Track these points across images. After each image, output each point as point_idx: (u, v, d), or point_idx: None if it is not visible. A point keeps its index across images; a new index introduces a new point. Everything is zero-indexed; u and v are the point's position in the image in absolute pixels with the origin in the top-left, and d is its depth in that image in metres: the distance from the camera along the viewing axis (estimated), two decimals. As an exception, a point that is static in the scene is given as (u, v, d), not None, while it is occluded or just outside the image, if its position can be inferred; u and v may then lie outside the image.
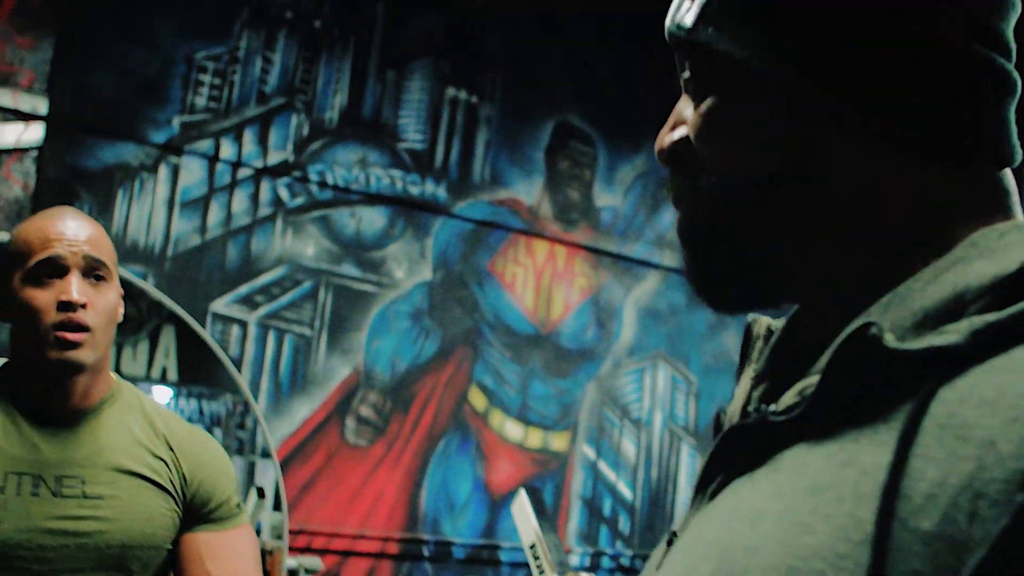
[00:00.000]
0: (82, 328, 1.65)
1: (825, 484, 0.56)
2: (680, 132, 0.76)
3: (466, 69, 4.44)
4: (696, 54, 0.73)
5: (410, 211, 4.26)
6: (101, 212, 3.64)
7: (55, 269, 1.66)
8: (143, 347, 3.57)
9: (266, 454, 3.72)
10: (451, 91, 4.40)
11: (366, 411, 4.10)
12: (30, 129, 3.52)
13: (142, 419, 1.81)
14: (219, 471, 1.86)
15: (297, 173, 4.03)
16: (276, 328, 3.96)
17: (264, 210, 3.97)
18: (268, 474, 3.70)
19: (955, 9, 0.66)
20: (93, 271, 1.69)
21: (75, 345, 1.65)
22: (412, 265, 4.25)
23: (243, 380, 3.76)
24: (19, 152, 3.52)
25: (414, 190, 4.27)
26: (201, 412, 3.69)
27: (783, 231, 0.70)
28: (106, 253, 1.73)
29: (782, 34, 0.68)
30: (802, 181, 0.69)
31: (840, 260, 0.69)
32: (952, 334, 0.56)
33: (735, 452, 0.67)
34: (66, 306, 1.63)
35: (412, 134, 4.30)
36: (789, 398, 0.65)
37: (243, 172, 3.94)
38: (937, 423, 0.53)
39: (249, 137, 3.96)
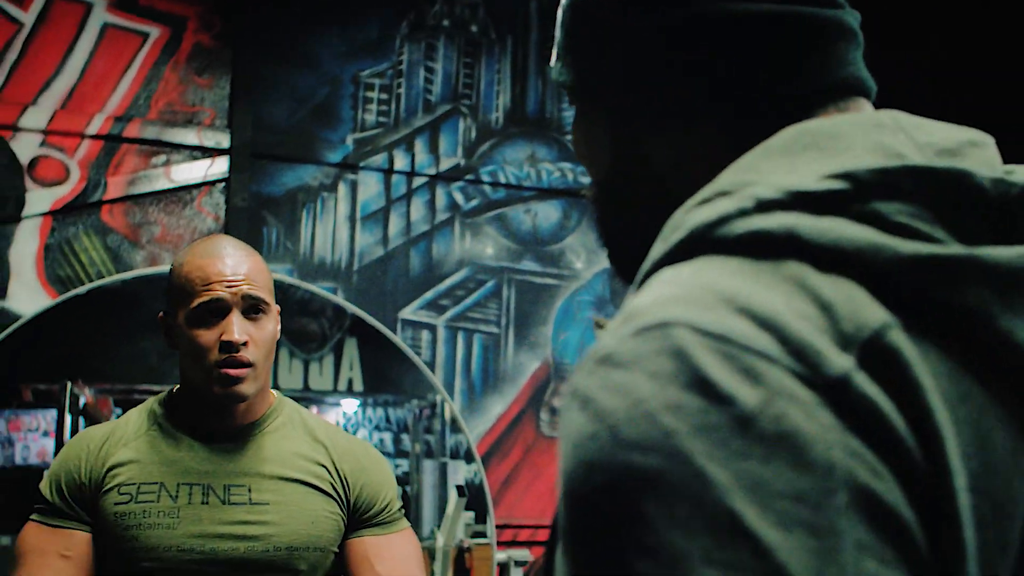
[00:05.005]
0: (244, 364, 1.75)
1: None
2: None
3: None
4: (559, 84, 0.89)
5: (583, 201, 4.28)
6: (288, 234, 3.83)
7: (217, 311, 1.75)
8: (328, 362, 3.73)
9: (455, 455, 3.81)
10: (612, 77, 4.40)
11: (559, 402, 4.15)
12: (216, 163, 3.73)
13: (303, 431, 1.90)
14: (381, 477, 1.93)
15: (470, 176, 4.12)
16: (464, 329, 4.06)
17: (441, 215, 4.08)
18: (459, 473, 3.80)
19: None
20: (252, 308, 1.78)
21: (238, 380, 1.75)
22: (590, 255, 4.27)
23: (438, 382, 3.88)
24: (208, 186, 3.74)
25: (585, 180, 4.29)
26: (388, 420, 3.82)
27: (639, 214, 0.82)
28: (263, 286, 1.81)
29: (582, 60, 0.84)
30: (632, 170, 0.82)
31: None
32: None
33: None
34: (228, 346, 1.73)
35: (578, 125, 4.32)
36: None
37: (417, 181, 4.06)
38: None
39: (420, 146, 4.08)
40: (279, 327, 1.87)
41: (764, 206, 0.62)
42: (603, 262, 4.26)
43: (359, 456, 1.92)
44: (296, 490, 1.81)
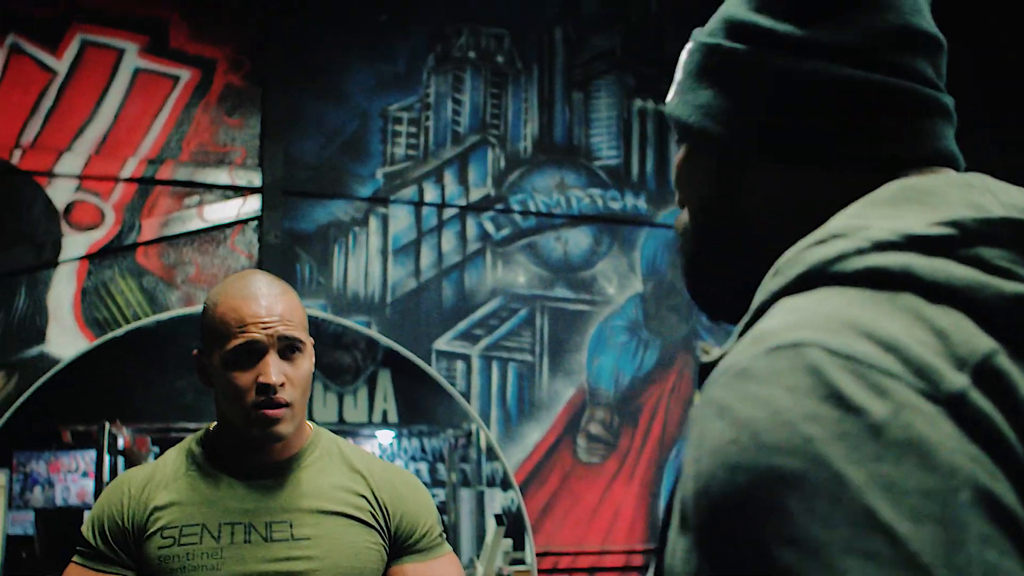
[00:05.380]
0: (281, 405, 1.77)
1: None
2: None
3: (650, 79, 4.45)
4: (672, 120, 0.97)
5: (613, 227, 4.30)
6: (320, 269, 3.86)
7: (253, 352, 1.76)
8: (363, 394, 3.75)
9: (491, 483, 3.81)
10: (638, 103, 4.42)
11: (595, 428, 4.15)
12: (248, 202, 3.77)
13: (340, 462, 1.91)
14: (420, 504, 1.94)
15: (500, 206, 4.14)
16: (498, 358, 4.07)
17: (473, 246, 4.10)
18: (496, 501, 3.80)
19: (809, 47, 0.87)
20: (288, 348, 1.80)
21: (276, 421, 1.76)
22: (622, 280, 4.28)
23: (473, 411, 3.88)
24: (241, 224, 3.78)
25: (615, 205, 4.30)
26: (423, 450, 3.83)
27: (722, 249, 0.93)
28: (299, 324, 1.82)
29: (700, 97, 0.92)
30: (724, 206, 0.92)
31: (761, 265, 0.85)
32: (730, 340, 0.78)
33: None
34: (265, 388, 1.74)
35: (606, 151, 4.34)
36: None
37: (448, 212, 4.08)
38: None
39: (449, 178, 4.10)
40: (313, 362, 1.88)
41: (881, 246, 0.72)
42: (635, 287, 4.26)
43: (397, 484, 1.93)
44: (337, 523, 1.82)
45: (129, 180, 3.64)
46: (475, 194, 4.11)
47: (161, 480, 1.83)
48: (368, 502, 1.87)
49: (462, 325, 4.04)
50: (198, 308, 3.53)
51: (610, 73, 4.40)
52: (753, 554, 0.61)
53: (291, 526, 1.80)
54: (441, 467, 3.80)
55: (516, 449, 4.02)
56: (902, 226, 0.72)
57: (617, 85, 4.40)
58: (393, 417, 3.78)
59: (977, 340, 0.66)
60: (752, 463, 0.62)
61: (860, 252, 0.72)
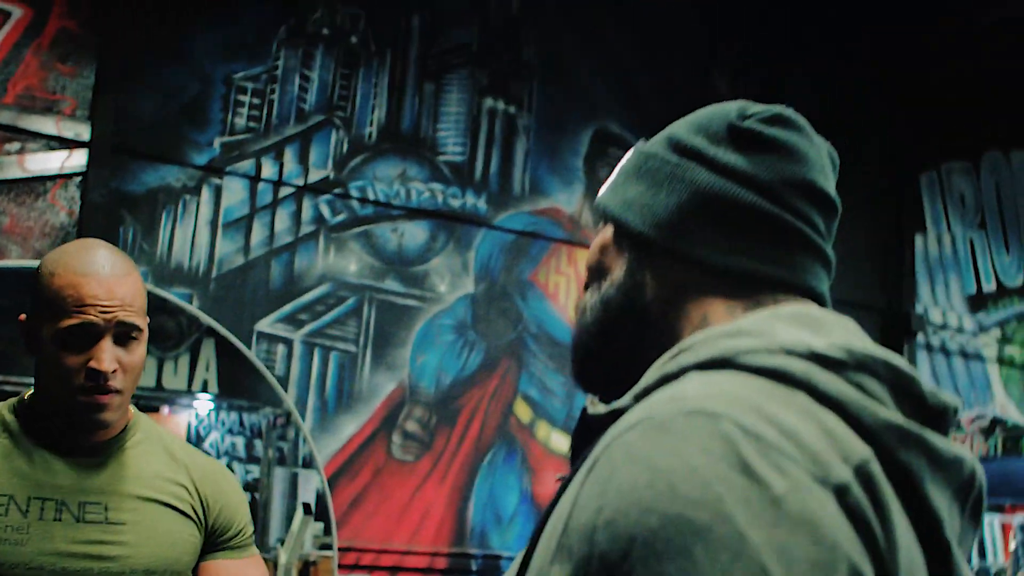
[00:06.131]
0: (110, 391, 1.65)
1: (566, 498, 0.83)
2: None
3: (503, 79, 4.43)
4: (599, 207, 1.08)
5: (451, 224, 4.26)
6: (145, 235, 3.68)
7: (87, 335, 1.64)
8: (184, 361, 3.60)
9: (307, 464, 3.73)
10: (489, 102, 4.40)
11: (412, 426, 4.10)
12: (74, 155, 3.56)
13: (161, 449, 1.82)
14: (238, 500, 1.88)
15: (338, 190, 4.04)
16: (321, 345, 3.97)
17: (306, 228, 3.99)
18: (311, 483, 3.72)
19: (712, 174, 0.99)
20: (125, 334, 1.68)
21: (103, 408, 1.65)
22: (455, 278, 4.24)
23: (289, 399, 3.78)
24: (63, 179, 3.57)
25: (455, 203, 4.27)
26: (241, 424, 3.73)
27: (630, 337, 1.01)
28: (139, 310, 1.70)
29: (636, 197, 1.02)
30: (632, 293, 1.01)
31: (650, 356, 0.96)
32: (625, 398, 0.89)
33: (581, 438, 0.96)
34: (95, 375, 1.63)
35: (451, 147, 4.30)
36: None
37: (284, 191, 3.96)
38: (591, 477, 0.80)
39: (290, 156, 3.98)
40: (146, 346, 1.78)
41: (787, 351, 0.85)
42: (466, 287, 4.23)
43: (218, 478, 1.87)
44: (156, 511, 1.74)
45: (-56, 117, 3.39)
46: (314, 175, 4.00)
47: None
48: (188, 493, 1.80)
49: (287, 308, 3.93)
50: (9, 262, 3.33)
51: (464, 68, 4.36)
52: None
53: (106, 509, 1.70)
54: (258, 443, 3.69)
55: (330, 440, 3.93)
56: (806, 340, 0.86)
57: (470, 81, 4.37)
58: (214, 388, 3.65)
59: (857, 445, 0.79)
60: (665, 509, 0.72)
61: (769, 351, 0.85)
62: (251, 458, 3.74)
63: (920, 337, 5.46)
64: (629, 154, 1.09)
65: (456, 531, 4.13)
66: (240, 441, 3.73)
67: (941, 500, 0.84)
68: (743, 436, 0.75)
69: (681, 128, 1.05)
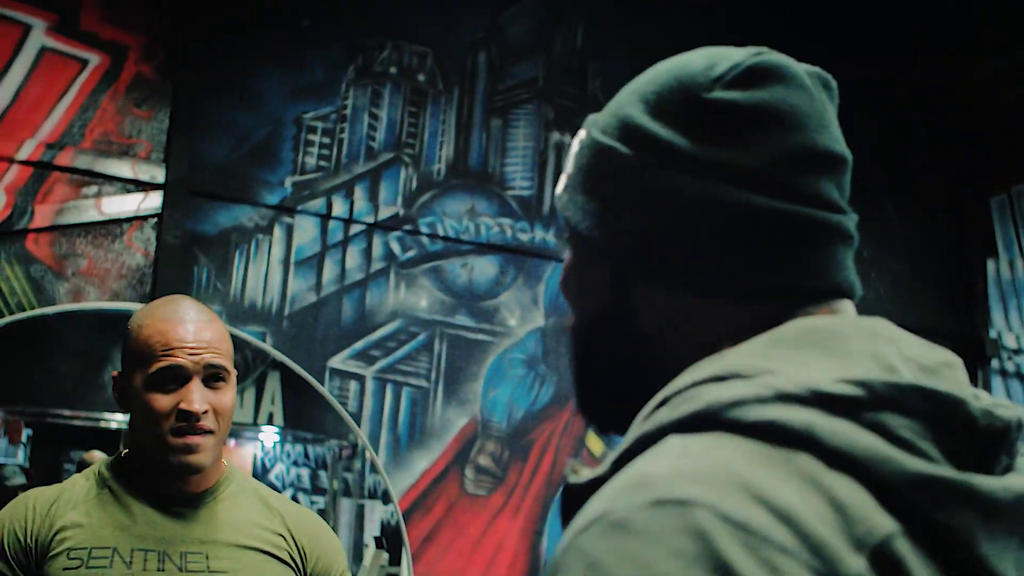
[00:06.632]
0: (203, 432, 1.68)
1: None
2: None
3: (569, 113, 4.44)
4: (562, 218, 0.91)
5: (521, 258, 4.26)
6: (219, 275, 3.74)
7: (176, 377, 1.69)
8: (250, 394, 3.64)
9: (372, 495, 3.74)
10: (556, 135, 4.41)
11: (485, 460, 4.09)
12: (149, 198, 3.64)
13: (256, 499, 1.86)
14: (334, 547, 1.91)
15: (408, 226, 4.07)
16: (393, 381, 3.99)
17: (377, 265, 4.02)
18: (376, 514, 3.73)
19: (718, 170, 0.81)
20: (214, 376, 1.72)
21: (195, 449, 1.69)
22: (524, 312, 4.24)
23: (363, 434, 3.80)
24: (139, 220, 3.64)
25: (524, 237, 4.27)
26: (306, 456, 3.75)
27: (616, 363, 0.87)
28: (225, 354, 1.75)
29: (594, 202, 0.86)
30: (619, 320, 0.86)
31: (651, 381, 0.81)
32: (603, 465, 0.74)
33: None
34: (186, 415, 1.67)
35: (519, 181, 4.31)
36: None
37: (355, 228, 4.00)
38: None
39: (360, 193, 4.03)
40: (235, 392, 1.82)
41: (784, 398, 0.68)
42: (536, 321, 4.22)
43: (315, 527, 1.90)
44: (254, 558, 1.76)
45: (25, 163, 3.48)
46: (384, 212, 4.04)
47: (69, 500, 1.73)
48: (285, 540, 1.83)
49: (359, 344, 3.95)
50: (87, 304, 3.40)
51: (530, 103, 4.39)
52: None
53: (207, 558, 1.73)
54: (323, 474, 3.71)
55: (403, 475, 3.93)
56: (808, 379, 0.69)
57: (536, 115, 4.39)
58: (279, 420, 3.68)
59: (876, 519, 0.63)
60: None
61: (761, 401, 0.68)
62: (316, 489, 3.76)
63: (995, 363, 5.32)
64: (579, 138, 0.92)
65: (530, 565, 4.09)
66: (305, 472, 3.75)
67: (1005, 560, 0.66)
68: (723, 528, 0.59)
69: (635, 106, 0.88)
